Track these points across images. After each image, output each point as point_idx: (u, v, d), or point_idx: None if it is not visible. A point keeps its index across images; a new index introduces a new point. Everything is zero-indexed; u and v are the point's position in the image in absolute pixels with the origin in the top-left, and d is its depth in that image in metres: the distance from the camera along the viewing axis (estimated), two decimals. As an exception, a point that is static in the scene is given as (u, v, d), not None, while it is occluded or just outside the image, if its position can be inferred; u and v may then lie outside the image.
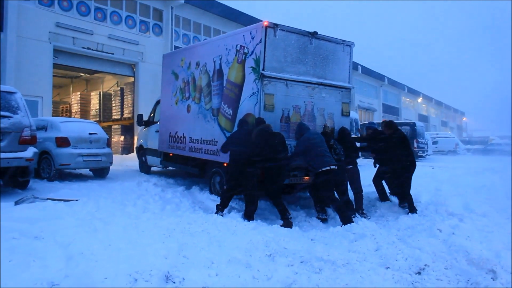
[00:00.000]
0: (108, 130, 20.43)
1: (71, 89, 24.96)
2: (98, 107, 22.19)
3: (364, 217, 7.36)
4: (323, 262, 4.75)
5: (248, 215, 6.84)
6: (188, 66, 9.98)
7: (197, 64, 9.57)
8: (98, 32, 18.35)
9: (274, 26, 7.51)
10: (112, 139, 20.22)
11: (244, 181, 6.95)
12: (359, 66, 40.52)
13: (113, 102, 22.13)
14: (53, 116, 18.30)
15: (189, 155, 9.89)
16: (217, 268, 4.30)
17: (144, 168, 13.08)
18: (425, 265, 4.83)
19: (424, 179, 12.63)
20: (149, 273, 4.00)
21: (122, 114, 21.17)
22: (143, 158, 13.07)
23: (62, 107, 23.74)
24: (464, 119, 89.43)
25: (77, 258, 4.35)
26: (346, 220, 6.69)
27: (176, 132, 10.43)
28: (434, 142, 32.87)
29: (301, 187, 8.06)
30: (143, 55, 20.16)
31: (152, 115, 12.95)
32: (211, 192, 9.00)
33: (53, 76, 17.57)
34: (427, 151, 25.76)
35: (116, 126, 20.85)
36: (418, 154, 23.83)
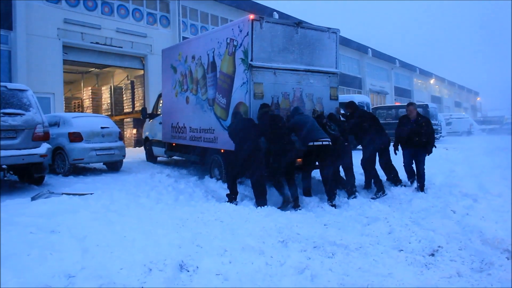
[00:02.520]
0: (120, 123, 20.57)
1: (82, 84, 25.14)
2: (109, 101, 22.35)
3: (353, 197, 7.55)
4: (336, 246, 4.77)
5: (261, 203, 6.89)
6: (185, 60, 10.44)
7: (193, 57, 10.03)
8: (106, 26, 18.42)
9: (260, 19, 7.94)
10: (125, 132, 20.37)
11: (252, 167, 7.11)
12: (369, 49, 40.14)
13: (124, 96, 22.26)
14: (65, 112, 18.49)
15: (190, 144, 10.38)
16: (231, 256, 4.34)
17: (151, 158, 13.63)
18: (439, 246, 4.82)
19: (438, 161, 12.49)
20: (163, 262, 4.06)
21: (133, 107, 21.29)
22: (150, 149, 13.62)
23: (74, 103, 23.94)
24: (478, 99, 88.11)
25: (93, 250, 4.43)
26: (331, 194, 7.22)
27: (178, 123, 10.93)
28: (448, 123, 32.48)
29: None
30: (151, 47, 20.18)
31: (155, 107, 13.46)
32: (211, 177, 9.46)
33: (64, 72, 17.72)
34: (440, 133, 25.44)
35: (128, 119, 20.97)
36: (432, 135, 23.54)
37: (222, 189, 8.13)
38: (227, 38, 8.58)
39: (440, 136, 25.52)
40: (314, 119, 7.77)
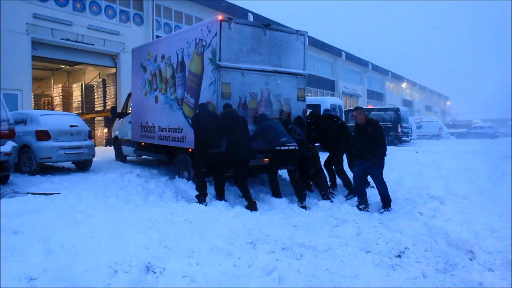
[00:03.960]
0: (91, 122, 20.20)
1: (52, 81, 24.54)
2: (80, 99, 21.89)
3: (328, 199, 7.57)
4: (304, 248, 4.79)
5: (219, 195, 7.28)
6: (155, 59, 10.46)
7: (163, 57, 10.06)
8: (77, 23, 17.99)
9: (229, 19, 8.05)
10: (96, 131, 20.01)
11: (212, 163, 7.37)
12: (342, 52, 40.59)
13: (95, 94, 21.85)
14: (35, 109, 18.04)
15: (159, 143, 10.41)
16: (198, 257, 4.31)
17: (120, 157, 13.47)
18: (405, 248, 4.90)
19: (407, 164, 12.79)
20: (129, 264, 4.00)
21: (105, 106, 20.90)
22: (119, 148, 13.50)
23: (44, 100, 23.38)
24: (448, 103, 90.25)
25: (56, 252, 4.34)
26: (300, 194, 7.33)
27: (147, 122, 10.89)
28: (418, 127, 33.18)
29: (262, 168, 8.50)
30: (124, 46, 19.84)
31: (125, 106, 13.35)
32: (180, 176, 9.43)
33: (33, 68, 17.23)
34: (411, 136, 25.99)
35: (99, 118, 20.60)
36: (402, 139, 24.05)
37: (192, 189, 8.06)
38: (196, 38, 8.62)
39: (411, 139, 26.04)
40: (280, 124, 7.91)
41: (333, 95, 37.52)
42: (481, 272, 4.19)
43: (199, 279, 3.83)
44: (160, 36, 18.11)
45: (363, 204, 6.99)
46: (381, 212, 6.73)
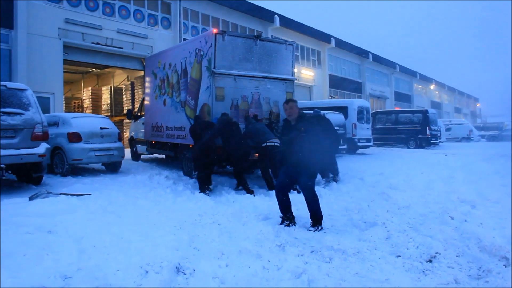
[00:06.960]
0: (119, 124, 20.54)
1: (82, 84, 25.12)
2: (109, 101, 22.31)
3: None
4: (333, 251, 4.75)
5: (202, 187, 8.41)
6: (164, 67, 11.91)
7: (170, 65, 11.50)
8: (107, 27, 18.40)
9: (223, 32, 9.33)
10: (124, 133, 20.33)
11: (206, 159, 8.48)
12: (370, 54, 40.17)
13: (124, 97, 22.23)
14: (65, 112, 18.47)
15: (166, 141, 11.85)
16: (228, 259, 4.33)
17: (135, 156, 14.90)
18: (437, 253, 4.79)
19: (437, 167, 12.57)
20: (160, 265, 4.04)
21: (133, 108, 21.25)
22: (134, 148, 14.93)
23: (74, 103, 23.91)
24: (478, 105, 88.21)
25: (89, 251, 4.43)
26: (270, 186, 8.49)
27: (157, 123, 12.32)
28: (448, 129, 32.57)
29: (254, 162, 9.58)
30: (152, 49, 20.12)
31: (140, 110, 14.70)
32: (183, 169, 10.72)
33: (64, 72, 17.68)
34: (440, 138, 25.53)
35: (128, 120, 20.93)
36: (431, 141, 23.66)
37: (224, 191, 8.18)
38: (196, 49, 9.89)
39: (440, 141, 25.59)
40: (264, 125, 9.11)
41: (360, 97, 37.16)
42: (516, 279, 4.07)
43: (229, 281, 3.85)
44: (187, 39, 18.36)
45: (287, 219, 5.75)
46: (310, 230, 5.53)
